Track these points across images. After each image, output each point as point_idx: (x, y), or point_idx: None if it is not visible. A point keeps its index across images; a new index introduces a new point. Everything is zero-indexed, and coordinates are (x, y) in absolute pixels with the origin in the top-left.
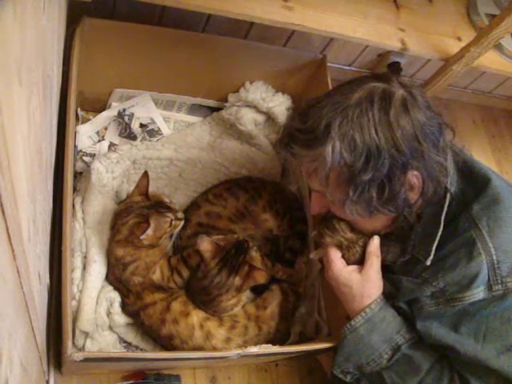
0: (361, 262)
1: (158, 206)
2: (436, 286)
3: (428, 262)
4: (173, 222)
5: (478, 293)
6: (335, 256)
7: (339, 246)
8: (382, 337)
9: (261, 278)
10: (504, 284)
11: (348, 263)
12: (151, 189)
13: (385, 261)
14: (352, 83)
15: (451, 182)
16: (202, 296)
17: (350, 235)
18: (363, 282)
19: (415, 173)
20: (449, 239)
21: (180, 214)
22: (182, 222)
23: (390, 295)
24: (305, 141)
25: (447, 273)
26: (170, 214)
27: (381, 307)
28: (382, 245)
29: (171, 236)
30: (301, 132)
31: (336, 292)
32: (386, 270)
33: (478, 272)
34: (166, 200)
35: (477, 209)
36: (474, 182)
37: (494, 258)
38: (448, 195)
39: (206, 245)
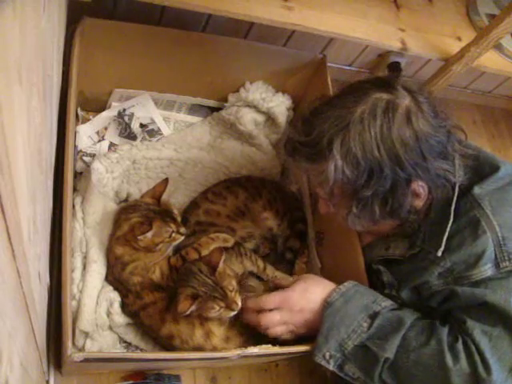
0: None
1: (165, 215)
2: (443, 266)
3: (439, 253)
4: (173, 235)
5: (486, 270)
6: (255, 304)
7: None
8: (358, 307)
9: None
10: (511, 260)
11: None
12: (152, 190)
13: (393, 255)
14: (355, 92)
15: (459, 176)
16: None
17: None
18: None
19: (420, 183)
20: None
21: (182, 230)
22: (182, 238)
23: (390, 285)
24: (308, 154)
25: (453, 253)
26: (173, 226)
27: (354, 284)
28: (390, 241)
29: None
30: (303, 145)
31: (302, 321)
32: (393, 264)
33: (484, 249)
34: (175, 212)
35: (478, 190)
36: (482, 171)
37: (500, 235)
38: (457, 189)
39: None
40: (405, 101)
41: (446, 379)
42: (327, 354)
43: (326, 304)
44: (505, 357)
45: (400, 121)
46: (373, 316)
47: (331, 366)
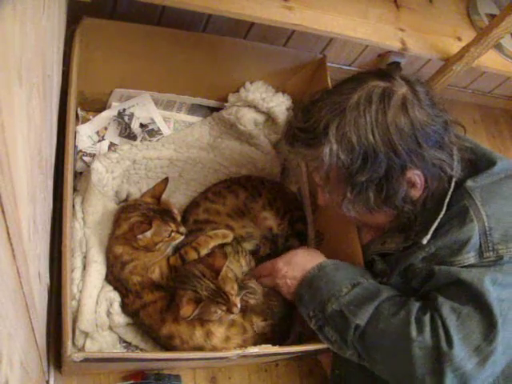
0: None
1: (164, 214)
2: (428, 251)
3: (424, 241)
4: (172, 234)
5: (469, 258)
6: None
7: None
8: (346, 276)
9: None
10: (495, 251)
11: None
12: (152, 189)
13: (388, 250)
14: (353, 81)
15: (456, 170)
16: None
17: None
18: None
19: (416, 171)
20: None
21: (182, 229)
22: (182, 238)
23: (382, 272)
24: (305, 140)
25: (439, 238)
26: (172, 225)
27: (350, 263)
28: (386, 236)
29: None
30: (301, 131)
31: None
32: (386, 256)
33: (469, 237)
34: (175, 211)
35: (471, 183)
36: (478, 165)
37: (486, 224)
38: (453, 183)
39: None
40: (401, 89)
41: (407, 350)
42: (311, 313)
43: (319, 265)
44: (471, 336)
45: (395, 107)
46: (354, 284)
47: (311, 325)
